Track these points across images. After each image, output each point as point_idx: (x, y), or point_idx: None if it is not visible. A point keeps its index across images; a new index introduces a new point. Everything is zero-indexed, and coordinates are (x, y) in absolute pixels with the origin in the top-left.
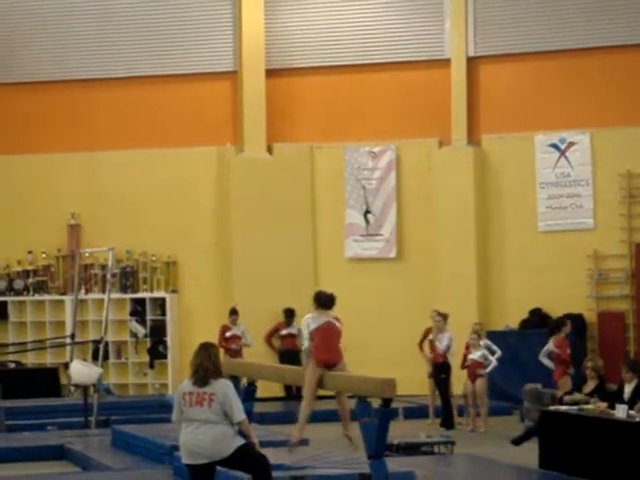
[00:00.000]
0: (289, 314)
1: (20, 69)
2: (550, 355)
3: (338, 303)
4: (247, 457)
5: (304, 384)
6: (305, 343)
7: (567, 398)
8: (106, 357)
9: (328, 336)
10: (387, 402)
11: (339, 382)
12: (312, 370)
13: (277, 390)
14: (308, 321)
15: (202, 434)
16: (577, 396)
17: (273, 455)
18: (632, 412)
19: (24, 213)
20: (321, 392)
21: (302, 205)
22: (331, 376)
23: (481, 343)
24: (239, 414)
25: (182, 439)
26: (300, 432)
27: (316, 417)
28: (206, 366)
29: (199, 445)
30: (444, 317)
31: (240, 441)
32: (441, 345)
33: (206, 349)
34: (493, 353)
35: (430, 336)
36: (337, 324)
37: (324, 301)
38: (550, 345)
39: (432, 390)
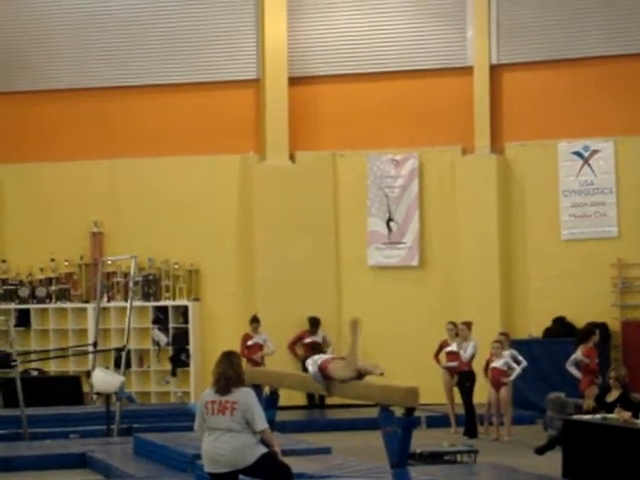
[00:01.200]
0: (314, 322)
1: (43, 77)
2: (578, 364)
3: (361, 310)
4: (269, 466)
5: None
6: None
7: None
8: (128, 365)
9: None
10: (410, 411)
11: (361, 390)
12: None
13: (300, 398)
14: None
15: (224, 443)
16: (625, 414)
17: (295, 464)
18: None
19: (47, 221)
20: (343, 401)
21: (325, 213)
22: (353, 384)
23: (505, 353)
24: (261, 423)
25: (204, 448)
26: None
27: (339, 426)
28: (229, 375)
29: (220, 454)
30: (468, 325)
31: (262, 450)
32: (465, 354)
33: (229, 358)
34: (519, 363)
35: (447, 348)
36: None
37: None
38: (578, 354)
39: (450, 399)
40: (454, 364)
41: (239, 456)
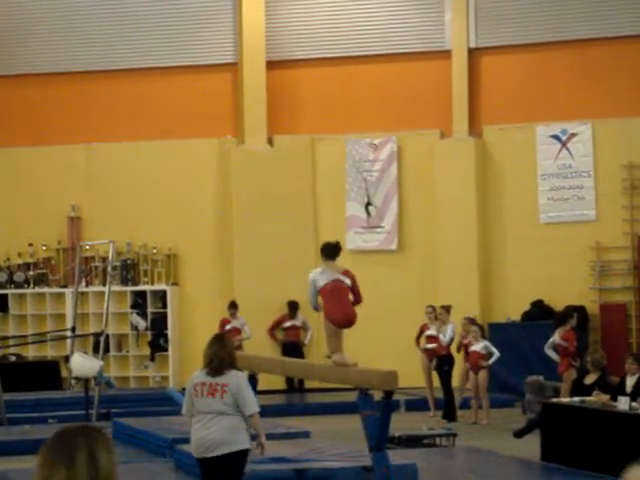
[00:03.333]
0: (293, 306)
1: (20, 61)
2: (555, 347)
3: None
4: (238, 467)
5: (328, 338)
6: (312, 300)
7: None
8: (107, 350)
9: (337, 295)
10: (389, 394)
11: (340, 375)
12: (329, 330)
13: (279, 382)
14: (314, 277)
15: (212, 426)
16: (603, 397)
17: (275, 448)
18: (634, 404)
19: (24, 205)
20: (323, 385)
21: (303, 197)
22: (332, 369)
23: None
24: (253, 406)
25: (193, 433)
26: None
27: (318, 409)
28: (221, 356)
29: (209, 437)
30: (446, 309)
31: (246, 444)
32: (444, 337)
33: (221, 339)
34: (492, 355)
35: (427, 332)
36: (344, 280)
37: (329, 252)
38: (556, 337)
39: (429, 383)
40: (433, 346)
41: (229, 438)
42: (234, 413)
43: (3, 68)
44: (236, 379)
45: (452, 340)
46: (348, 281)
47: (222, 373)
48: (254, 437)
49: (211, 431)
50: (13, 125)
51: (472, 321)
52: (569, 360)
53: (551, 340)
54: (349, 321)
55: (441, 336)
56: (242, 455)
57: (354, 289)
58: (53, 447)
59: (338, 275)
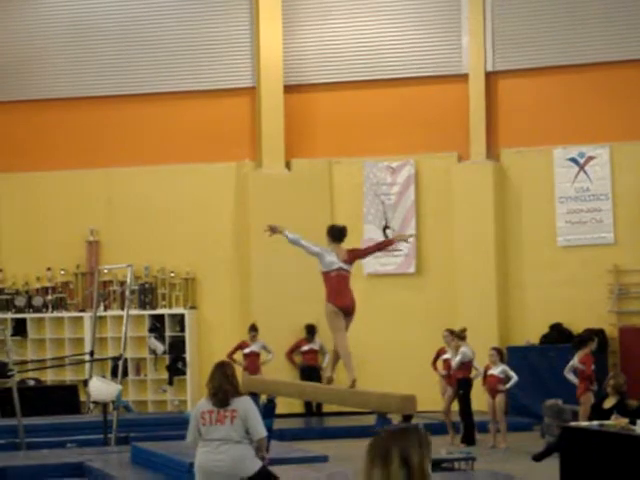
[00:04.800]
0: (311, 330)
1: (39, 86)
2: (575, 371)
3: (357, 318)
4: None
5: (332, 330)
6: (305, 244)
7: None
8: (125, 374)
9: (341, 283)
10: (407, 418)
11: (359, 399)
12: (334, 313)
13: (297, 406)
14: (318, 249)
15: (222, 453)
16: (622, 421)
17: (293, 472)
18: None
19: (43, 230)
20: (341, 409)
21: (321, 220)
22: (350, 393)
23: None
24: (261, 430)
25: (199, 459)
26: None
27: (336, 433)
28: (226, 388)
29: (218, 465)
30: (458, 333)
31: (258, 464)
32: (454, 362)
33: (222, 370)
34: (510, 379)
35: (443, 355)
36: (347, 268)
37: (335, 234)
38: (575, 360)
39: (446, 407)
40: (445, 372)
41: (238, 467)
42: (241, 440)
43: (22, 93)
44: (244, 404)
45: (464, 363)
46: (350, 268)
47: (228, 403)
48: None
49: (220, 458)
50: (32, 150)
51: (498, 351)
52: (586, 384)
53: (571, 363)
54: (348, 308)
55: (452, 359)
56: (257, 474)
57: (366, 250)
58: (372, 449)
59: (341, 263)
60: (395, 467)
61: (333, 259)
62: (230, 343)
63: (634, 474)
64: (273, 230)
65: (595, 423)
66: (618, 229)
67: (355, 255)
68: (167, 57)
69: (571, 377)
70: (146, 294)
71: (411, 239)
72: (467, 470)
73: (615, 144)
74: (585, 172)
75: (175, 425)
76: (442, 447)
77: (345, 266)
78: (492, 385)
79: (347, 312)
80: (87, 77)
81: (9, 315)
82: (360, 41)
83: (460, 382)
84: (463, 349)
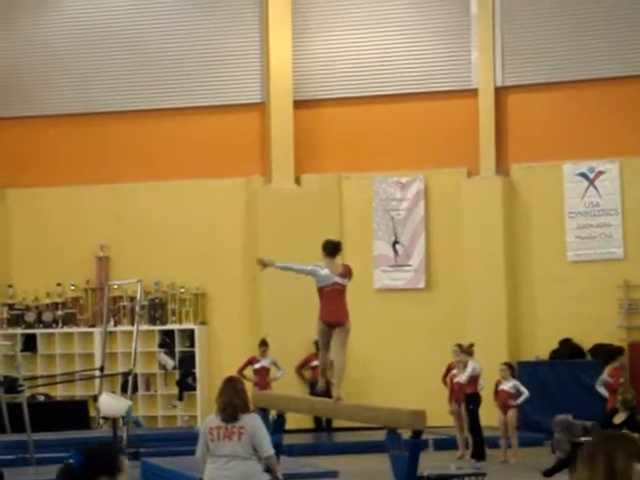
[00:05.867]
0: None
1: (47, 102)
2: (605, 384)
3: (367, 333)
4: None
5: (319, 335)
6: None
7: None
8: (135, 389)
9: (332, 298)
10: (417, 434)
11: (368, 414)
12: (320, 332)
13: (307, 422)
14: (310, 268)
15: (230, 469)
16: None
17: None
18: None
19: (53, 245)
20: (351, 424)
21: (330, 236)
22: (360, 408)
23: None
24: (268, 448)
25: (207, 475)
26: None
27: (346, 449)
28: (235, 403)
29: None
30: (465, 349)
31: (267, 478)
32: (463, 376)
33: (232, 385)
34: (521, 394)
35: (453, 370)
36: (342, 282)
37: (330, 250)
38: (605, 374)
39: (457, 421)
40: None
41: None
42: (250, 457)
43: (31, 109)
44: (252, 421)
45: (472, 378)
46: (344, 281)
47: (237, 419)
48: (269, 470)
49: (228, 474)
50: (42, 165)
51: (509, 366)
52: (616, 397)
53: (601, 377)
54: (335, 321)
55: (460, 376)
56: None
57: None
58: (582, 451)
59: (337, 278)
60: (599, 469)
61: (328, 274)
62: (240, 358)
63: None
64: (263, 264)
65: None
66: (628, 244)
67: (349, 271)
68: (176, 73)
69: (602, 391)
70: (156, 309)
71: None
72: None
73: (625, 159)
74: (595, 187)
75: (185, 440)
76: (452, 462)
77: (340, 280)
78: (503, 400)
79: (336, 325)
80: (95, 93)
81: (19, 330)
82: (370, 56)
83: (469, 397)
84: (472, 363)
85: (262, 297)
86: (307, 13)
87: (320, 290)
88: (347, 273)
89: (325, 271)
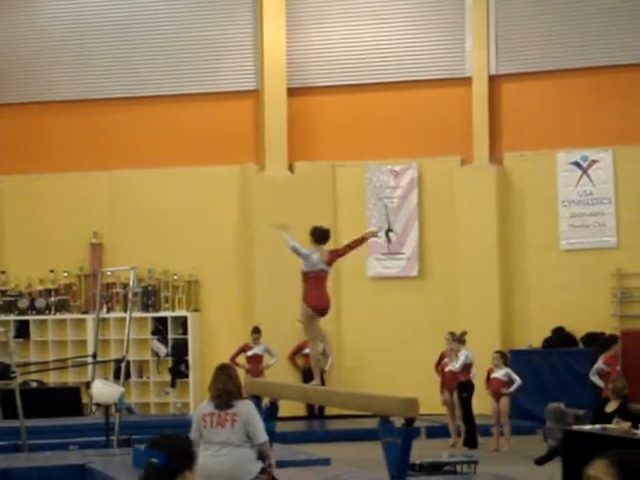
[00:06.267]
0: None
1: (43, 88)
2: (600, 373)
3: (361, 320)
4: None
5: (307, 332)
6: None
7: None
8: (128, 376)
9: (317, 284)
10: (410, 421)
11: (361, 402)
12: (309, 317)
13: (300, 409)
14: (306, 251)
15: (223, 456)
16: (624, 425)
17: (295, 475)
18: None
19: (46, 232)
20: (344, 411)
21: (324, 223)
22: (352, 396)
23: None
24: (262, 435)
25: (200, 462)
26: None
27: (338, 436)
28: (229, 389)
29: (219, 468)
30: (458, 337)
31: (259, 467)
32: (456, 364)
33: (225, 372)
34: (513, 382)
35: (445, 359)
36: (327, 270)
37: (319, 235)
38: (599, 363)
39: (450, 410)
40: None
41: (240, 471)
42: (242, 444)
43: (26, 95)
44: (245, 408)
45: (465, 366)
46: (328, 268)
47: (231, 406)
48: (262, 458)
49: (221, 461)
50: (35, 152)
51: (502, 354)
52: None
53: (595, 366)
54: (323, 309)
55: (453, 363)
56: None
57: (344, 250)
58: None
59: (323, 265)
60: None
61: (316, 260)
62: (233, 346)
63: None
64: (282, 227)
65: (597, 427)
66: (621, 233)
67: (336, 255)
68: (170, 60)
69: (596, 380)
70: (149, 296)
71: (381, 233)
72: (469, 473)
73: (618, 148)
74: (588, 176)
75: (177, 427)
76: (444, 450)
77: (326, 267)
78: (496, 388)
79: (322, 311)
80: (90, 80)
81: (12, 317)
82: (363, 44)
83: (462, 385)
84: (465, 352)
85: (255, 284)
86: (301, 0)
87: (305, 274)
88: (332, 260)
89: (316, 257)
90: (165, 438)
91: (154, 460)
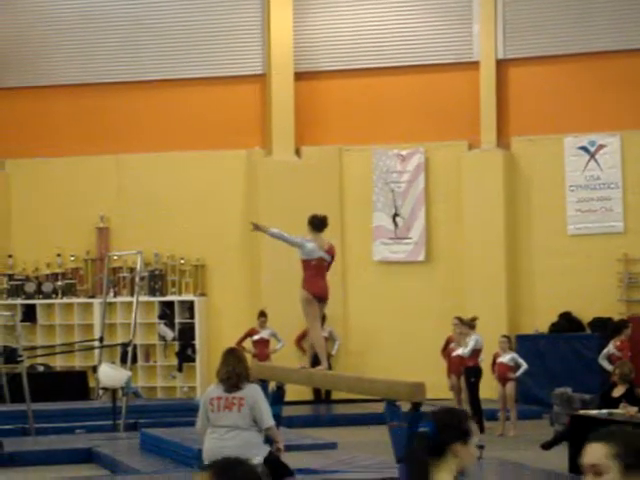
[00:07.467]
0: (321, 316)
1: (49, 73)
2: (610, 357)
3: (367, 305)
4: (272, 467)
5: (307, 317)
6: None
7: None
8: (134, 360)
9: (319, 272)
10: (416, 406)
11: (368, 386)
12: (308, 301)
13: (306, 393)
14: (296, 239)
15: (229, 440)
16: (631, 410)
17: (301, 459)
18: None
19: (53, 216)
20: (350, 396)
21: (330, 208)
22: (358, 380)
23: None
24: (268, 419)
25: (207, 445)
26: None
27: (345, 421)
28: (239, 372)
29: (225, 451)
30: (467, 322)
31: (265, 451)
32: (466, 349)
33: (234, 355)
34: (519, 366)
35: (452, 343)
36: (326, 258)
37: (316, 223)
38: (610, 347)
39: (456, 395)
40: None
41: (246, 454)
42: (249, 427)
43: (32, 79)
44: (252, 392)
45: (474, 351)
46: (329, 258)
47: (239, 388)
48: (270, 441)
49: (228, 444)
50: (43, 136)
51: (508, 339)
52: None
53: (605, 350)
54: (322, 295)
55: (462, 348)
56: (264, 461)
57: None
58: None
59: (323, 253)
60: None
61: (314, 247)
62: (239, 330)
63: None
64: (256, 227)
65: (604, 411)
66: (628, 218)
67: (334, 250)
68: (177, 44)
69: (605, 364)
70: (156, 281)
71: None
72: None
73: (626, 132)
74: (596, 160)
75: (184, 411)
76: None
77: (326, 256)
78: (502, 373)
79: (321, 299)
80: (97, 64)
81: (19, 301)
82: (371, 28)
83: (470, 370)
84: (475, 336)
85: (262, 269)
86: None
87: (305, 262)
88: (331, 252)
89: (311, 244)
90: (441, 410)
91: (424, 429)
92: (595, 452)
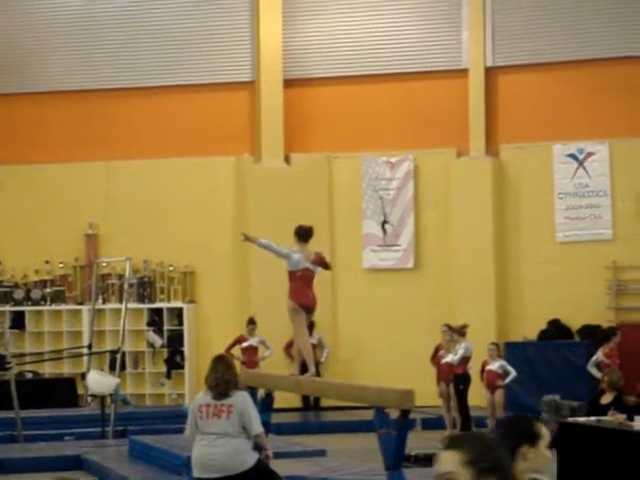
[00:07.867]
0: (309, 325)
1: (40, 79)
2: (599, 365)
3: (355, 312)
4: (261, 474)
5: (294, 325)
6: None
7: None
8: (123, 367)
9: (305, 282)
10: (405, 413)
11: (356, 393)
12: (295, 311)
13: (295, 400)
14: (283, 250)
15: (217, 447)
16: (619, 417)
17: (290, 466)
18: None
19: (42, 222)
20: (339, 403)
21: (319, 215)
22: (347, 387)
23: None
24: (257, 426)
25: (196, 452)
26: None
27: (334, 428)
28: (227, 379)
29: (214, 458)
30: (457, 330)
31: (254, 458)
32: (455, 356)
33: (223, 362)
34: (508, 374)
35: (441, 351)
36: (313, 269)
37: (302, 234)
38: (599, 355)
39: (445, 402)
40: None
41: (233, 461)
42: (238, 435)
43: (22, 85)
44: (241, 399)
45: (464, 359)
46: (315, 269)
47: (228, 395)
48: (259, 448)
49: (216, 452)
50: (32, 142)
51: (497, 347)
52: None
53: (594, 358)
54: (309, 306)
55: (451, 356)
56: (245, 475)
57: (323, 263)
58: None
59: (308, 264)
60: None
61: (300, 259)
62: (228, 337)
63: (631, 470)
64: (246, 238)
65: (593, 419)
66: (617, 225)
67: (321, 259)
68: (166, 51)
69: (594, 371)
70: (145, 287)
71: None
72: None
73: (614, 140)
74: (584, 168)
75: (172, 419)
76: (439, 442)
77: (311, 267)
78: (491, 381)
79: (308, 310)
80: (85, 71)
81: (7, 308)
82: (360, 36)
83: (459, 377)
84: (465, 344)
85: (251, 275)
86: None
87: (291, 274)
88: (318, 262)
89: (297, 256)
90: (505, 418)
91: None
92: (447, 460)
